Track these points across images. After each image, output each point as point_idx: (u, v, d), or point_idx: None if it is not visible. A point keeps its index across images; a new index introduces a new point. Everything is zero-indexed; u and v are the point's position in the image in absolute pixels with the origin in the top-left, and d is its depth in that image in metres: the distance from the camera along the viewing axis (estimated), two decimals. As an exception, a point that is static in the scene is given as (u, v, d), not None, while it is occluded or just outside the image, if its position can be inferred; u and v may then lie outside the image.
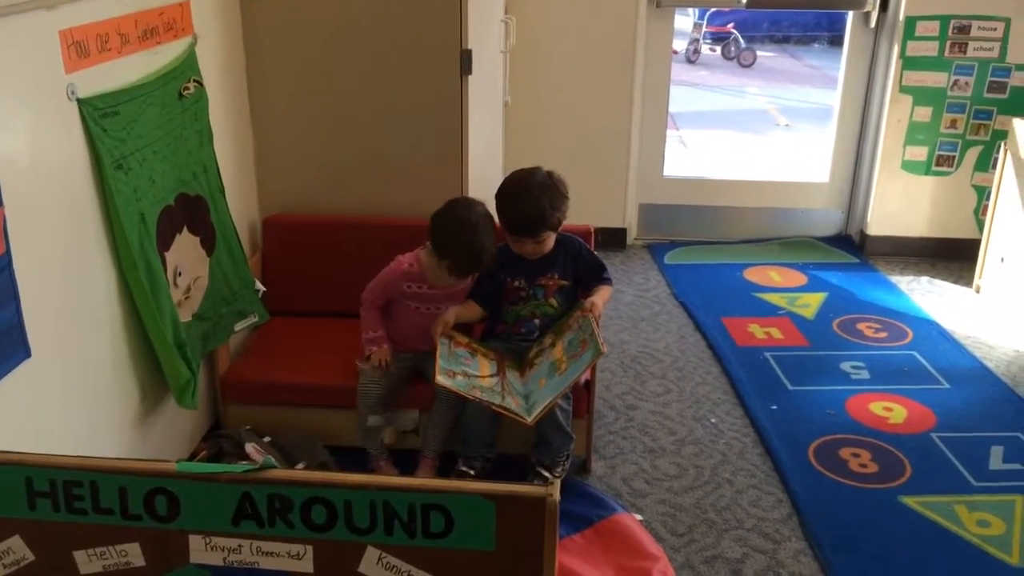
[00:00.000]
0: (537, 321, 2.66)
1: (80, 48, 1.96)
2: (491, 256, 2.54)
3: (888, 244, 4.42)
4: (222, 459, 2.57)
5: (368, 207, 3.04)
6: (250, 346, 2.89)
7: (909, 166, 4.27)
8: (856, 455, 2.82)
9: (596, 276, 2.68)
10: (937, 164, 4.25)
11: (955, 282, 4.17)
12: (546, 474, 2.59)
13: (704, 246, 4.57)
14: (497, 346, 2.66)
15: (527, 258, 2.61)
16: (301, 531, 1.37)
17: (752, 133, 7.51)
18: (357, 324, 2.73)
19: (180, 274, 2.41)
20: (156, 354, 2.28)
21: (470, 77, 2.90)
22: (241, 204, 2.94)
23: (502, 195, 2.58)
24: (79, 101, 1.96)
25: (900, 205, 4.35)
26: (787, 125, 7.75)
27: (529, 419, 2.36)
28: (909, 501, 2.61)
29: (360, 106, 2.96)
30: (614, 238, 4.47)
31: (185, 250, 2.45)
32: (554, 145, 4.24)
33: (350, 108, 2.97)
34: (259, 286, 2.79)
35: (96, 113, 2.02)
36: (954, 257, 4.35)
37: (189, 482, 1.36)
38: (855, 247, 4.52)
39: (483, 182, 3.26)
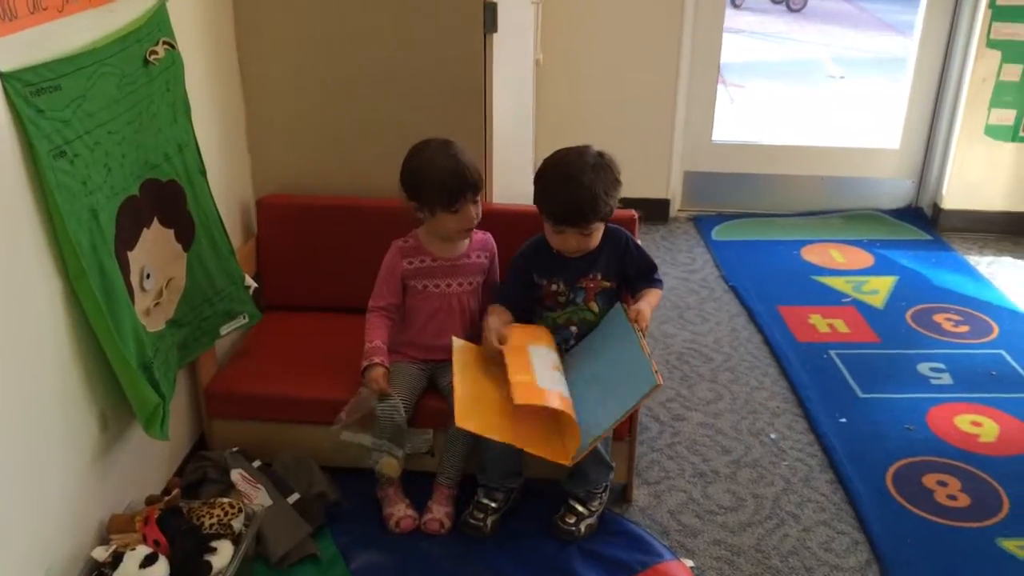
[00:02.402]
0: (574, 329, 2.26)
1: (3, 9, 1.55)
2: (475, 168, 2.18)
3: (965, 219, 3.94)
4: (204, 487, 2.22)
5: (377, 185, 2.62)
6: (240, 350, 2.51)
7: (993, 131, 3.78)
8: (943, 483, 2.41)
9: (645, 277, 2.26)
10: (1025, 130, 3.76)
11: (1042, 264, 3.71)
12: (581, 508, 2.21)
13: (756, 219, 4.12)
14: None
15: (566, 256, 2.20)
16: None
17: (803, 85, 6.96)
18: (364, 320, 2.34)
19: (148, 276, 2.03)
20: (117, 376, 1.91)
21: (495, 35, 2.46)
22: (231, 184, 2.54)
23: (545, 179, 2.16)
24: (3, 76, 1.56)
25: (981, 175, 3.87)
26: (842, 77, 7.18)
27: (568, 460, 1.98)
28: (1008, 545, 2.20)
29: (369, 70, 2.54)
30: (656, 210, 4.04)
31: (155, 247, 2.06)
32: (591, 107, 3.83)
33: (357, 72, 2.54)
34: (250, 282, 2.41)
35: (27, 90, 1.62)
36: (1040, 235, 3.88)
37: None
38: (927, 222, 4.05)
39: (510, 156, 2.84)
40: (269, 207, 2.64)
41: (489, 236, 2.33)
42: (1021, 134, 3.76)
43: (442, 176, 2.13)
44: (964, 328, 3.18)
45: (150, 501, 2.04)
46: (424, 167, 2.15)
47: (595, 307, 2.24)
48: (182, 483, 2.22)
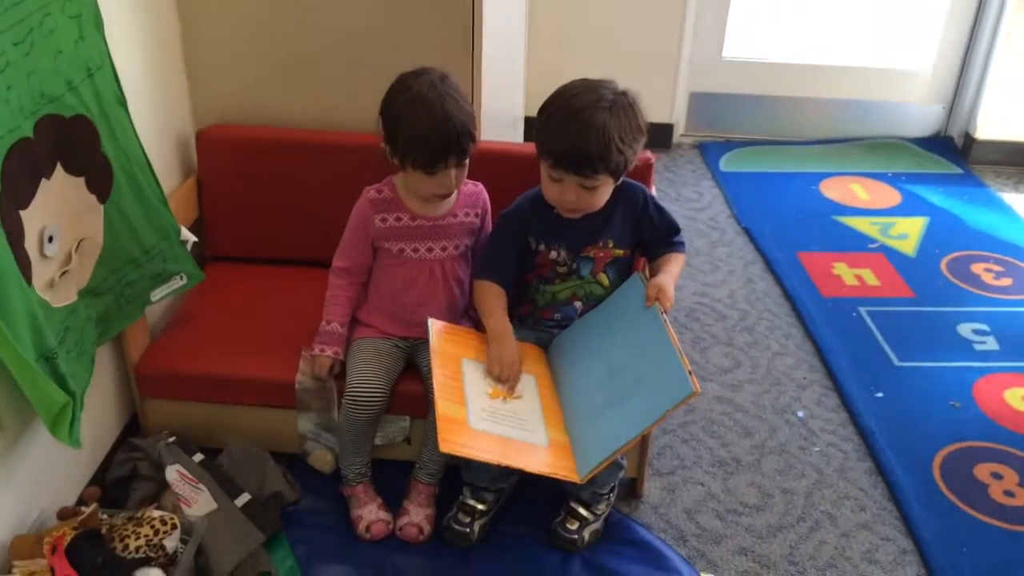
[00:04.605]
0: (579, 305, 1.87)
1: None
2: (464, 128, 1.71)
3: (999, 151, 3.56)
4: (135, 484, 1.86)
5: (341, 115, 2.19)
6: (179, 316, 2.11)
7: (1039, 53, 3.37)
8: (998, 476, 2.10)
9: (665, 242, 1.87)
10: (1075, 51, 3.35)
11: (1085, 204, 3.36)
12: (584, 513, 1.87)
13: (768, 147, 3.71)
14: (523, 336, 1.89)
15: (566, 215, 1.79)
16: None
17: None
18: (326, 275, 1.94)
19: (51, 239, 1.61)
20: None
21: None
22: (164, 114, 2.10)
23: (549, 111, 1.73)
24: None
25: (1021, 101, 3.46)
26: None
27: (580, 477, 1.62)
28: (1079, 554, 1.90)
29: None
30: (658, 136, 3.60)
31: (60, 201, 1.63)
32: (588, 18, 3.35)
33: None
34: (187, 235, 1.98)
35: None
36: (1081, 169, 3.51)
37: None
38: (957, 153, 3.66)
39: (500, 81, 2.41)
40: (211, 141, 2.19)
41: (481, 189, 1.91)
42: (1070, 57, 3.35)
43: (423, 131, 1.69)
44: (1006, 281, 2.83)
45: (63, 515, 1.67)
46: (405, 111, 1.71)
47: (605, 280, 1.85)
48: (107, 481, 1.86)
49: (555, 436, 1.69)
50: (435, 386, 1.66)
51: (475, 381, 1.72)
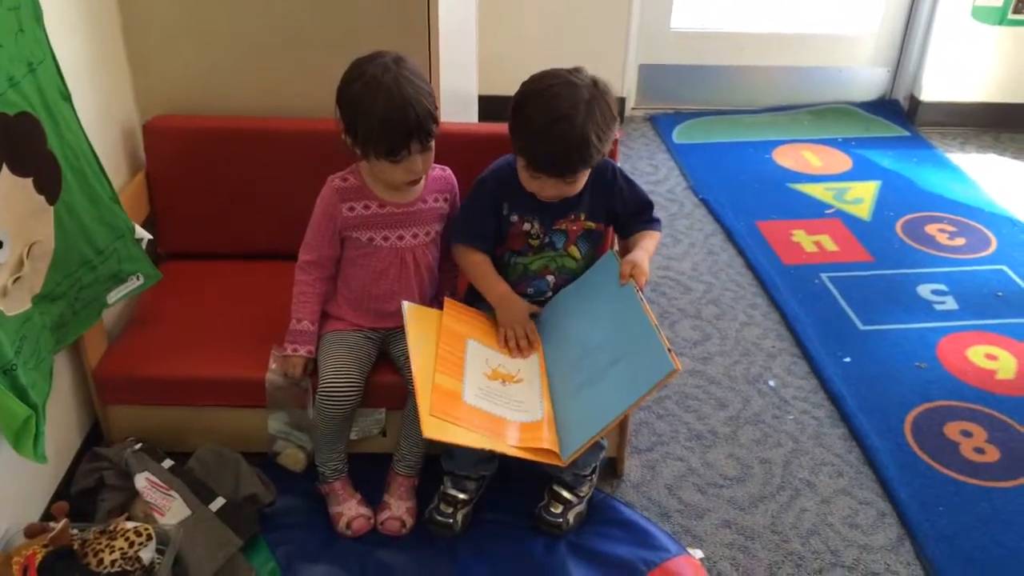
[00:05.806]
0: (551, 278, 1.84)
1: None
2: (424, 111, 1.65)
3: (944, 112, 3.61)
4: (103, 495, 1.78)
5: (294, 102, 2.12)
6: (136, 317, 2.02)
7: (981, 13, 3.41)
8: (967, 433, 2.13)
9: (639, 218, 1.85)
10: (1015, 11, 3.39)
11: (1028, 160, 3.43)
12: (568, 495, 1.85)
13: (718, 117, 3.71)
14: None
15: (544, 200, 1.76)
16: None
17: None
18: (286, 268, 1.88)
19: (1, 245, 1.52)
20: (-33, 386, 1.43)
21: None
22: (107, 107, 2.01)
23: (526, 114, 1.67)
24: None
25: (964, 62, 3.52)
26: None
27: (563, 460, 1.60)
28: (1051, 508, 1.94)
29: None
30: (610, 109, 3.58)
31: (7, 204, 1.54)
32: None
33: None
34: (142, 233, 1.90)
35: None
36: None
37: None
38: (902, 115, 3.70)
39: (455, 56, 2.35)
40: (159, 132, 2.10)
41: (449, 173, 1.86)
42: (1010, 16, 3.39)
43: (381, 118, 1.62)
44: (960, 241, 2.88)
45: (31, 533, 1.59)
46: (361, 98, 1.65)
47: (577, 252, 1.83)
48: (72, 494, 1.79)
49: (550, 409, 1.68)
50: (437, 358, 1.66)
51: (477, 361, 1.72)
